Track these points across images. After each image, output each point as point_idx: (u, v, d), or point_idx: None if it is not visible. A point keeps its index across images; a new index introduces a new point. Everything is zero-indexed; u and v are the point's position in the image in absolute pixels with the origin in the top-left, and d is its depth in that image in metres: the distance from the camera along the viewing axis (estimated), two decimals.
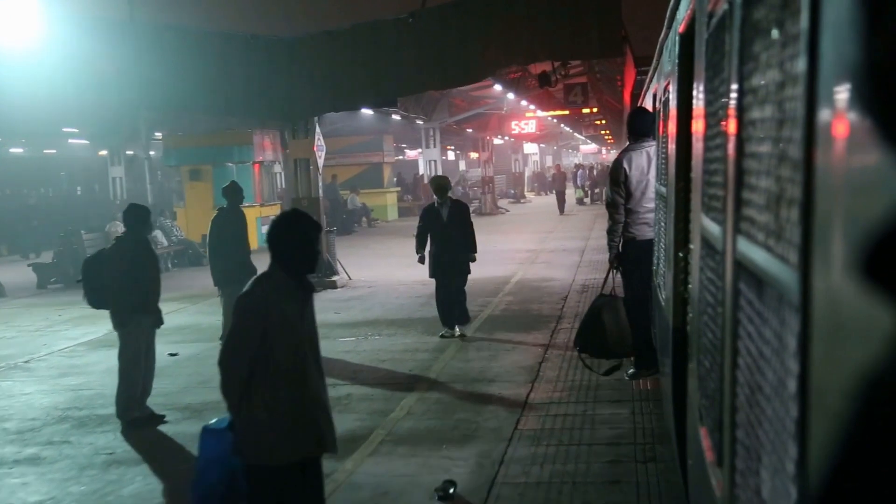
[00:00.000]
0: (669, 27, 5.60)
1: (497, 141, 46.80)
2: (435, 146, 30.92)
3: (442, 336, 11.37)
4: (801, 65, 1.41)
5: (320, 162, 17.01)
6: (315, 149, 16.81)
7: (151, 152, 29.71)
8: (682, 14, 4.40)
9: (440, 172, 30.58)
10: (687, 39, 4.22)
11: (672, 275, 4.91)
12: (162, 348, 9.53)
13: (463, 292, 11.53)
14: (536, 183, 57.52)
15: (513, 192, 48.14)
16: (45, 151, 41.15)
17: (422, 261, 11.50)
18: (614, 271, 8.18)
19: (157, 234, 21.49)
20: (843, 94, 1.20)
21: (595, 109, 35.01)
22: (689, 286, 4.02)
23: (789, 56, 1.57)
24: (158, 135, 28.07)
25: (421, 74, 14.55)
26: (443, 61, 14.22)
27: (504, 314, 13.15)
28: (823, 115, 1.29)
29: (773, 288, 1.69)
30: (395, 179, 38.54)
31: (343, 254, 20.16)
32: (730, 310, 2.26)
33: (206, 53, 15.09)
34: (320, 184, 17.17)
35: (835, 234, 1.23)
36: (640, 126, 7.59)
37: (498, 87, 26.35)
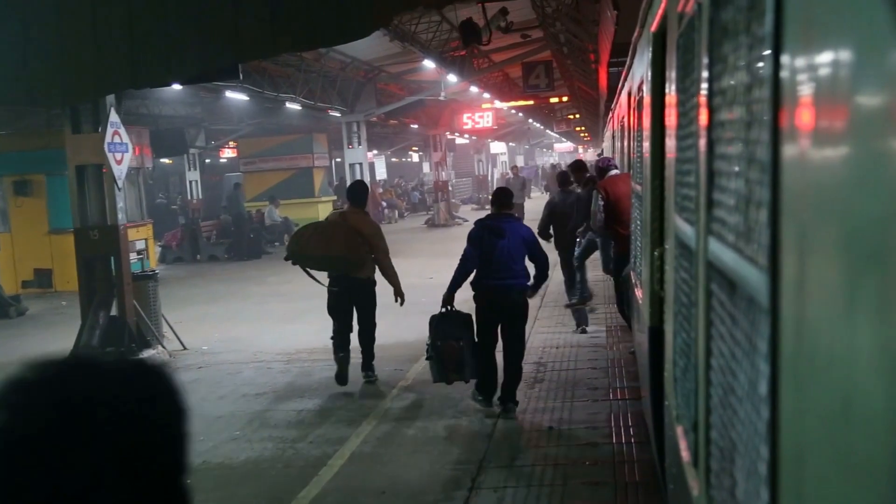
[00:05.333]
0: (643, 26, 5.63)
1: (460, 140, 41.55)
2: (360, 144, 25.05)
3: None
4: (766, 66, 1.41)
5: (119, 170, 10.70)
6: (107, 148, 10.51)
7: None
8: (655, 13, 4.41)
9: (359, 178, 22.33)
10: (659, 38, 4.22)
11: (648, 273, 4.92)
12: None
13: None
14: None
15: (478, 197, 41.16)
16: None
17: None
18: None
19: None
20: (807, 95, 1.20)
21: (565, 98, 28.59)
22: (665, 285, 4.04)
23: (756, 57, 1.57)
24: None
25: (272, 29, 8.99)
26: (307, 7, 8.91)
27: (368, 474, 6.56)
28: (789, 116, 1.29)
29: (743, 290, 1.69)
30: (331, 187, 31.79)
31: (210, 295, 15.97)
32: (703, 310, 2.26)
33: None
34: (119, 204, 10.84)
35: (802, 237, 1.23)
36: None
37: (430, 64, 18.64)
